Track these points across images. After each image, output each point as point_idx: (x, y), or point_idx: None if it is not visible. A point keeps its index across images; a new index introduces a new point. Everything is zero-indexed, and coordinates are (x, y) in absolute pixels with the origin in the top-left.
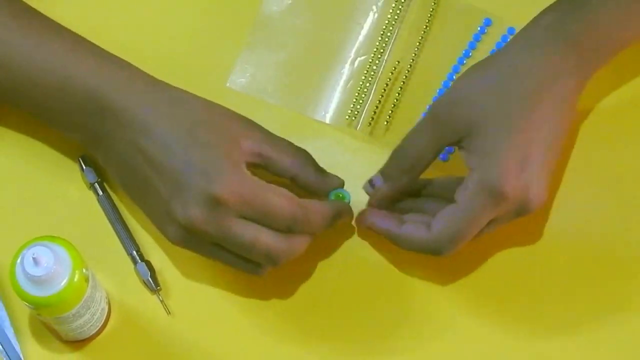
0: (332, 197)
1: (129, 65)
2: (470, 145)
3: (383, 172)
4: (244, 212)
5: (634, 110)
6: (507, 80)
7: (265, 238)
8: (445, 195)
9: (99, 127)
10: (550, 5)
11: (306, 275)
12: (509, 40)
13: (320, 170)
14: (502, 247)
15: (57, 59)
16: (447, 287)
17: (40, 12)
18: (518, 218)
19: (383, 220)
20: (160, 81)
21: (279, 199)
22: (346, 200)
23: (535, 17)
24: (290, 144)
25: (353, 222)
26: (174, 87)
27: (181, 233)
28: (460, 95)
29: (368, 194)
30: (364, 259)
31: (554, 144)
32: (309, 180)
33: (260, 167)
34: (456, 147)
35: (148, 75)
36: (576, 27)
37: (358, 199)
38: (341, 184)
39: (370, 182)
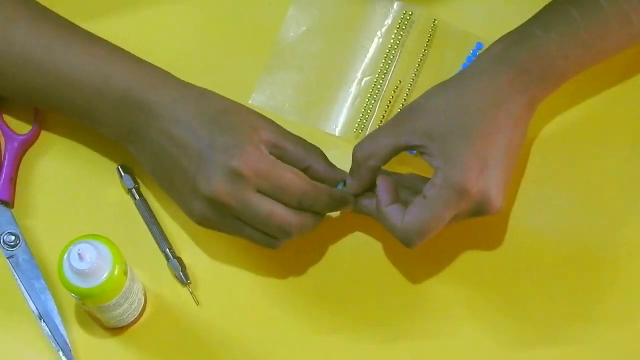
0: (340, 187)
1: (159, 68)
2: (433, 150)
3: (350, 170)
4: (261, 187)
5: (593, 119)
6: (464, 99)
7: (279, 211)
8: (414, 189)
9: (134, 120)
10: (501, 37)
11: (327, 271)
12: (468, 64)
13: (331, 164)
14: (499, 247)
15: (98, 63)
16: (450, 283)
17: (78, 25)
18: (475, 218)
19: (383, 189)
20: (188, 82)
21: (293, 176)
22: None
23: (487, 48)
24: (305, 139)
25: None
26: (200, 86)
27: (206, 208)
28: (424, 107)
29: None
30: (377, 251)
31: (509, 155)
32: (321, 171)
33: (276, 158)
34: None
35: (176, 77)
36: (521, 57)
37: None
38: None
39: (345, 182)
